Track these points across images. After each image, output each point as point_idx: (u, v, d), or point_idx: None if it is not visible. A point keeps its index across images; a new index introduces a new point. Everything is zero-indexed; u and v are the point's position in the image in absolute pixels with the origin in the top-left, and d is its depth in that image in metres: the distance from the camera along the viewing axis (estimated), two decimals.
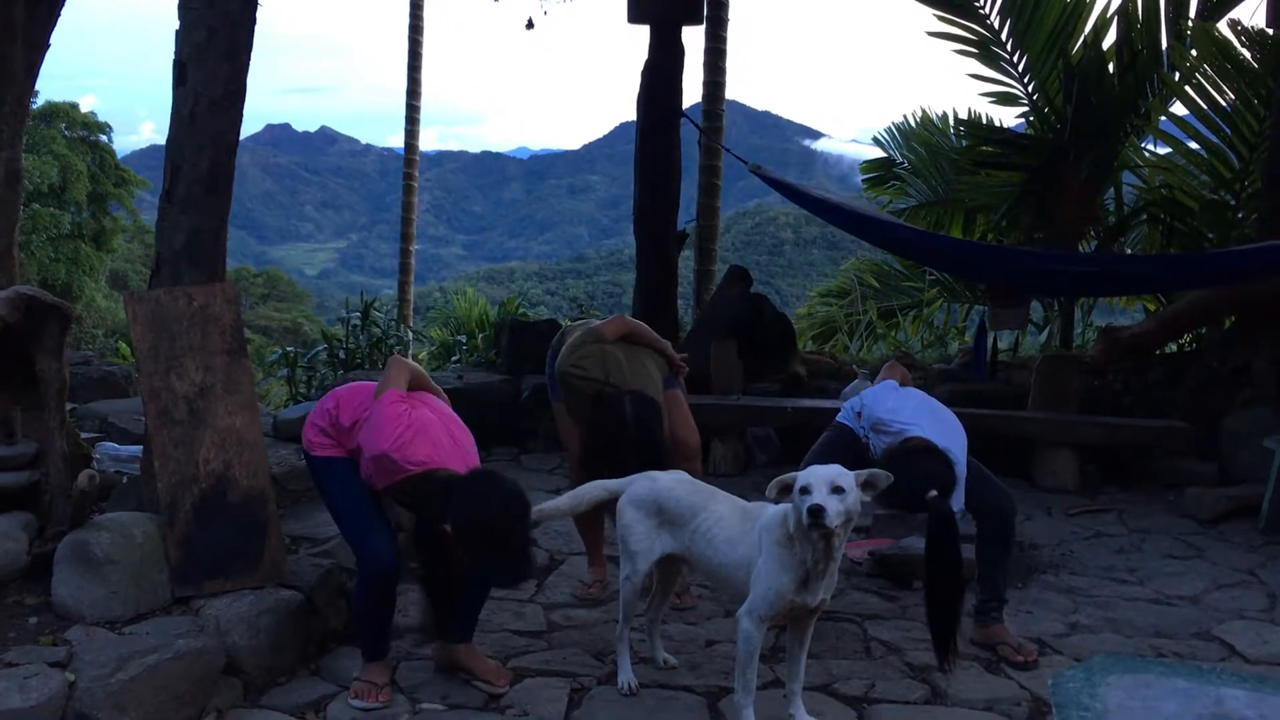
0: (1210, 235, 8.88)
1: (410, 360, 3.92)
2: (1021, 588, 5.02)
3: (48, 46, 4.71)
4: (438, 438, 3.53)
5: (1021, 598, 4.86)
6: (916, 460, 3.88)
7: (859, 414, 4.25)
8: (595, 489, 3.92)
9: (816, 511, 3.13)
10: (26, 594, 3.77)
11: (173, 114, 4.28)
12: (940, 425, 4.04)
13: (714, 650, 4.15)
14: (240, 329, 4.12)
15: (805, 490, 3.20)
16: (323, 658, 3.97)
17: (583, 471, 4.33)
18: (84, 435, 5.39)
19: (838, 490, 3.18)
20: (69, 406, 4.84)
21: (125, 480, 4.72)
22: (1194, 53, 8.83)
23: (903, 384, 4.35)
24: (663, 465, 4.06)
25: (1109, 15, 9.10)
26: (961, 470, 3.92)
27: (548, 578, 5.04)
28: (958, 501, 3.88)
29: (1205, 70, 8.69)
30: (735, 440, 7.39)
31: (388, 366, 3.82)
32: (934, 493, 3.75)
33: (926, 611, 3.88)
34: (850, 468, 4.10)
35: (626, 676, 3.72)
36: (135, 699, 3.21)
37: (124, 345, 14.73)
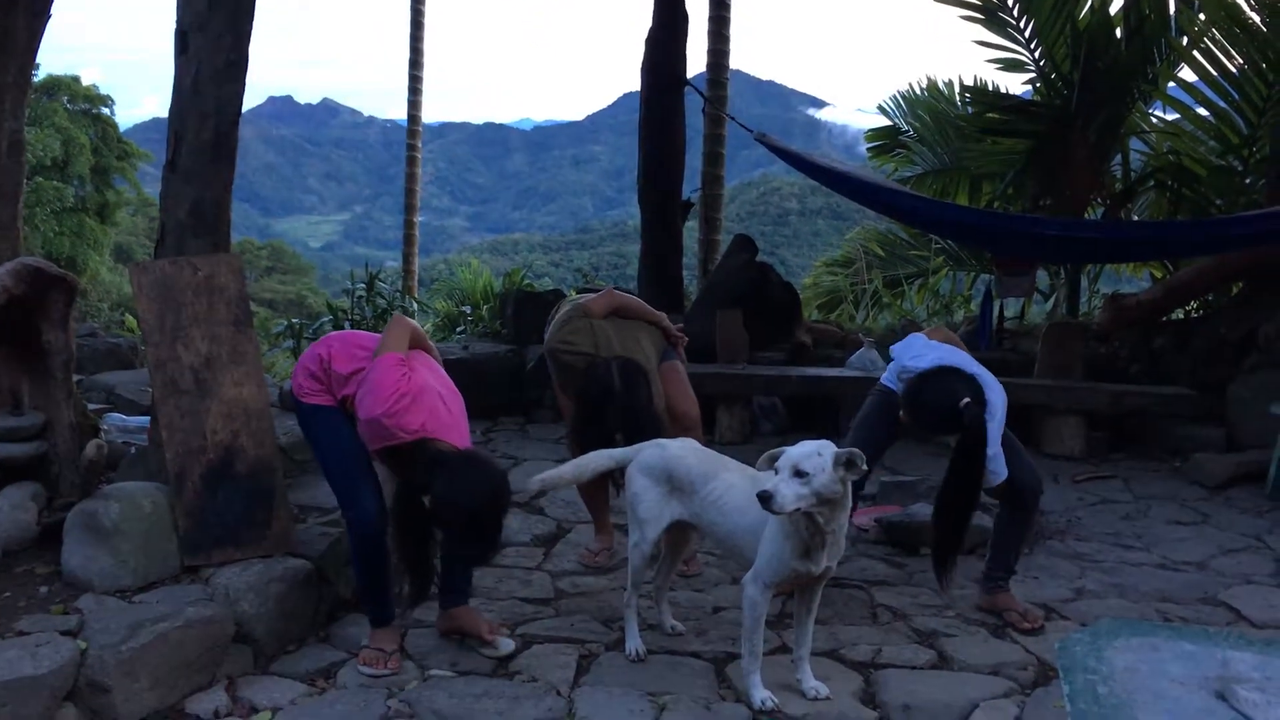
0: (1218, 201, 8.85)
1: (410, 319, 3.89)
2: (1028, 554, 5.02)
3: (49, 16, 4.67)
4: (434, 405, 3.49)
5: (1028, 564, 4.87)
6: (940, 379, 3.86)
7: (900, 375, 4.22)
8: (600, 458, 3.92)
9: (764, 497, 3.13)
10: (37, 564, 3.78)
11: (175, 83, 4.27)
12: (969, 367, 3.99)
13: (721, 616, 4.17)
14: (246, 299, 4.11)
15: (777, 470, 3.20)
16: (332, 625, 3.99)
17: (576, 443, 4.34)
18: (91, 406, 5.40)
19: (800, 474, 3.14)
20: (76, 378, 4.85)
21: (133, 451, 4.73)
22: (1202, 16, 8.75)
23: (945, 341, 4.26)
24: (652, 430, 4.07)
25: None
26: (995, 412, 3.87)
27: (555, 546, 5.05)
28: (1000, 466, 3.88)
29: (1214, 34, 8.62)
30: (740, 409, 7.40)
31: (389, 326, 3.79)
32: (967, 400, 3.73)
33: (935, 523, 3.93)
34: (892, 434, 4.09)
35: (634, 643, 3.74)
36: (146, 666, 3.22)
37: (130, 318, 14.76)
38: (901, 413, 4.04)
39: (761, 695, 3.35)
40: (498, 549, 3.69)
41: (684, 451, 3.79)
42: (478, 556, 3.68)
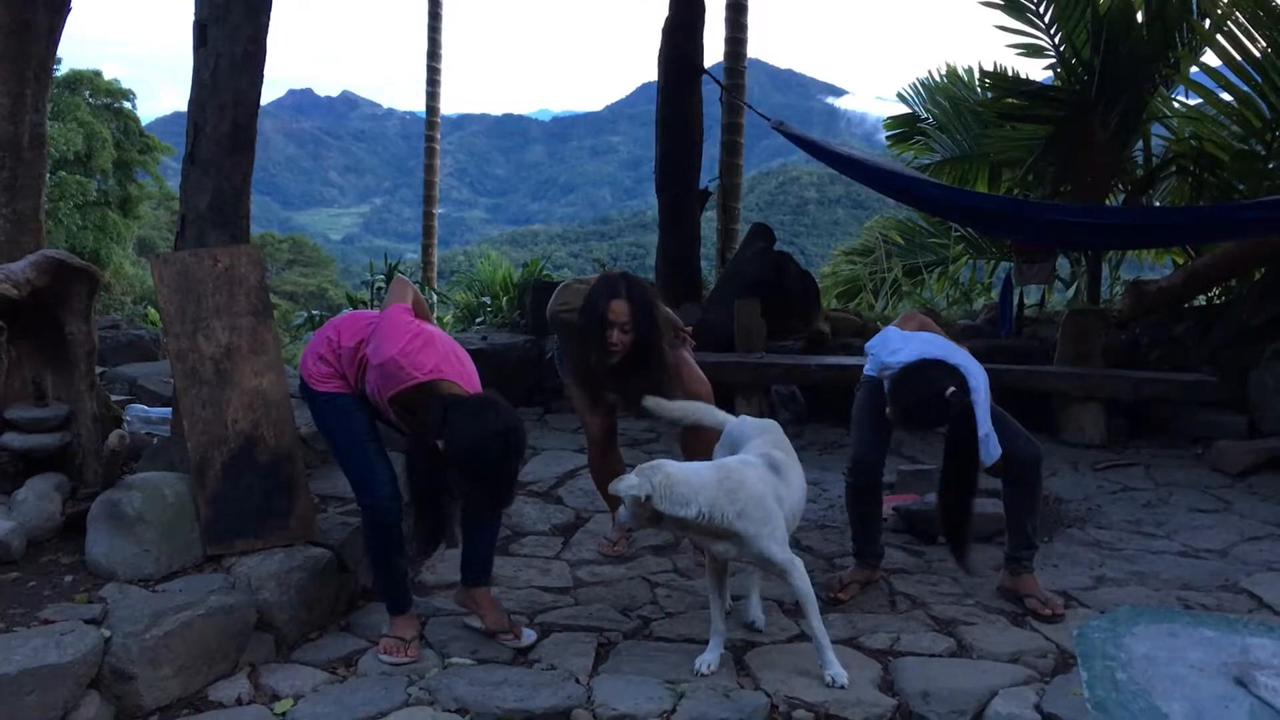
0: (1240, 186, 8.76)
1: (409, 281, 3.92)
2: (1048, 541, 5.01)
3: (69, 9, 4.71)
4: (445, 351, 3.54)
5: (1048, 552, 4.85)
6: (921, 372, 3.89)
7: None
8: (702, 410, 4.08)
9: None
10: (61, 553, 3.83)
11: (194, 76, 4.29)
12: (949, 356, 3.99)
13: (741, 605, 4.17)
14: (265, 290, 4.14)
15: None
16: (352, 614, 4.02)
17: (577, 382, 4.45)
18: (114, 398, 5.45)
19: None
20: (98, 370, 4.89)
21: (155, 442, 4.77)
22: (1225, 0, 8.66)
23: (919, 329, 4.28)
24: (658, 342, 4.23)
25: None
26: (980, 395, 3.87)
27: (573, 535, 5.07)
28: (993, 446, 3.88)
29: (1236, 18, 8.51)
30: (759, 398, 7.39)
31: (391, 285, 3.85)
32: (952, 388, 3.78)
33: (941, 513, 4.07)
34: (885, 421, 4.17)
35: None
36: (169, 654, 3.26)
37: (152, 311, 14.84)
38: (888, 410, 4.04)
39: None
40: (510, 498, 3.64)
41: (746, 419, 4.05)
42: (490, 504, 3.64)
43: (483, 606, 3.84)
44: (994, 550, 4.60)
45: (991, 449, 3.88)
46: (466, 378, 3.56)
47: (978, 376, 3.93)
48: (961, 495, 3.94)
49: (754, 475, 3.49)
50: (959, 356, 3.99)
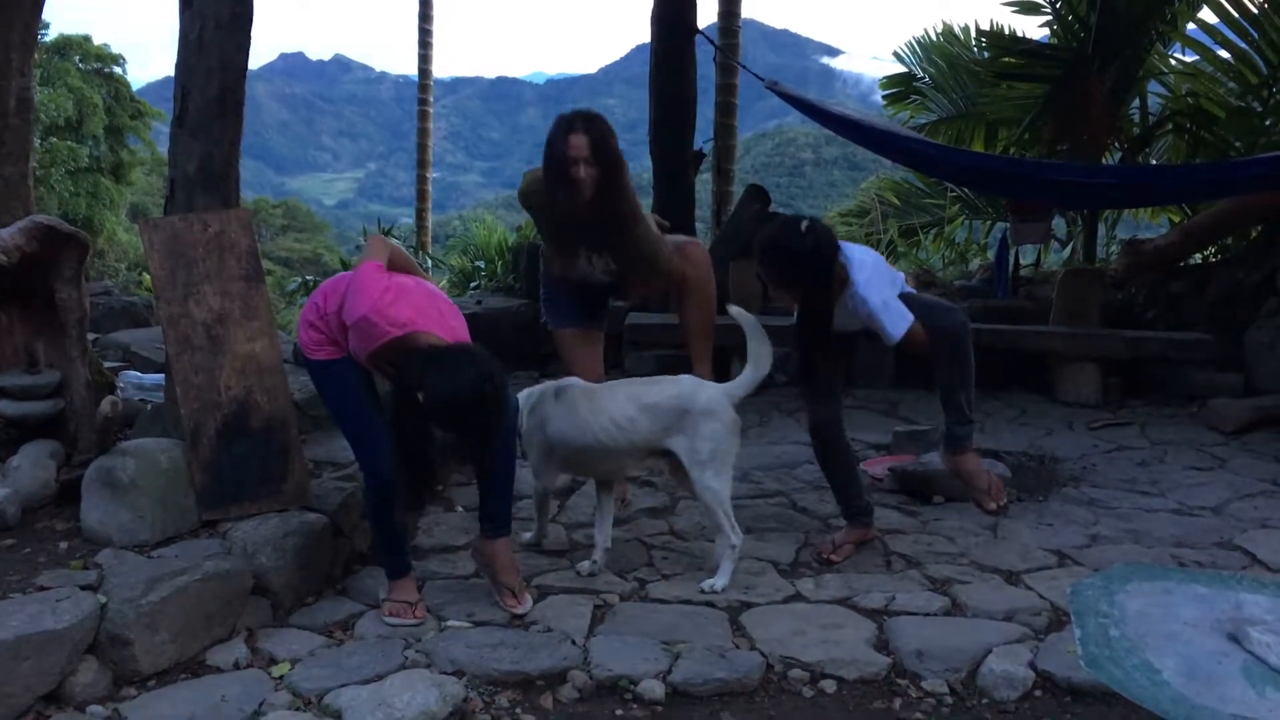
0: (1237, 143, 8.73)
1: (390, 240, 3.87)
2: (1042, 500, 5.03)
3: None
4: (420, 302, 3.48)
5: (1042, 510, 4.87)
6: (777, 226, 3.93)
7: None
8: (755, 335, 4.05)
9: None
10: (56, 520, 3.83)
11: (180, 38, 4.23)
12: None
13: (736, 567, 4.17)
14: (256, 255, 4.11)
15: None
16: (348, 578, 4.02)
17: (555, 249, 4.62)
18: (107, 365, 5.44)
19: None
20: (91, 336, 4.87)
21: (149, 408, 4.76)
22: None
23: None
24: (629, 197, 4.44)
25: None
26: (864, 266, 3.88)
27: (569, 499, 5.07)
28: (896, 317, 3.86)
29: None
30: None
31: (366, 244, 3.80)
32: (807, 220, 3.85)
33: (796, 346, 4.15)
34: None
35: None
36: (166, 619, 3.26)
37: (146, 277, 14.79)
38: (768, 288, 4.12)
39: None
40: (493, 446, 3.62)
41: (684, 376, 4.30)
42: (476, 453, 3.64)
43: (499, 560, 3.78)
44: (977, 515, 4.59)
45: (895, 319, 3.86)
46: (449, 329, 3.49)
47: (860, 250, 3.97)
48: (816, 332, 3.99)
49: (523, 396, 4.24)
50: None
